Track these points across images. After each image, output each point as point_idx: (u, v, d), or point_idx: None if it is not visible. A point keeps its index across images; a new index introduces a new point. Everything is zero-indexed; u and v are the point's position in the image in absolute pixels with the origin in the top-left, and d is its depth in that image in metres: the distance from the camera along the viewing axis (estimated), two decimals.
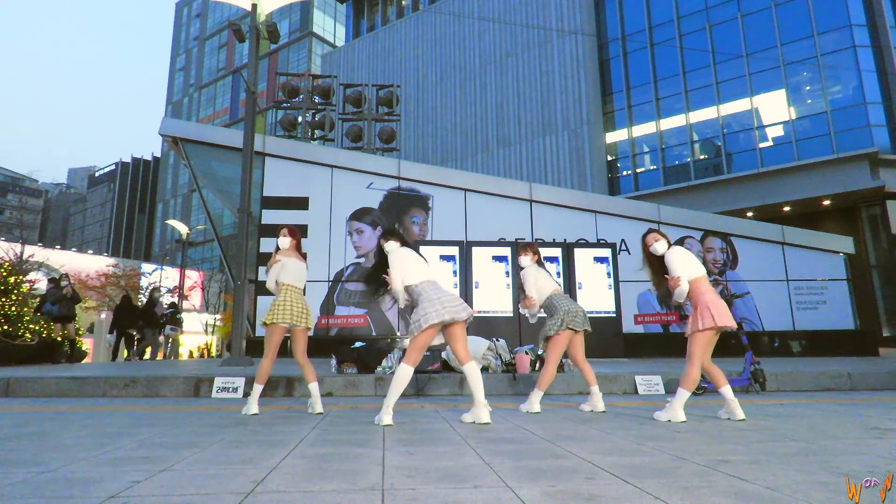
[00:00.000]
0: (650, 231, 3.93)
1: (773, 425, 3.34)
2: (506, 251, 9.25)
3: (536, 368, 6.07)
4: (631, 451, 2.55)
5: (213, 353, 34.77)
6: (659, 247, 3.81)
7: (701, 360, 3.61)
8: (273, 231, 10.80)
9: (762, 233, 11.69)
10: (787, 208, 19.30)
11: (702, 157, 22.53)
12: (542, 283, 4.34)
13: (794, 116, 20.24)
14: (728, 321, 3.53)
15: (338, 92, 14.89)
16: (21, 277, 10.28)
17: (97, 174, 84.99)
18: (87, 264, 35.28)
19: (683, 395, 3.59)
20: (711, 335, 3.60)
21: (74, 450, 2.58)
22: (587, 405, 4.14)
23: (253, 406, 3.90)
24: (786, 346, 11.18)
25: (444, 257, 9.08)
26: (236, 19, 9.17)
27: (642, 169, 24.20)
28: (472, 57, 30.17)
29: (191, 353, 34.63)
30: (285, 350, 10.35)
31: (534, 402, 4.06)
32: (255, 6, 8.55)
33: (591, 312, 9.31)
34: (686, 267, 3.65)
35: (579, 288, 9.34)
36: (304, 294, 4.19)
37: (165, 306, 14.50)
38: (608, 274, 9.48)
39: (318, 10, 53.08)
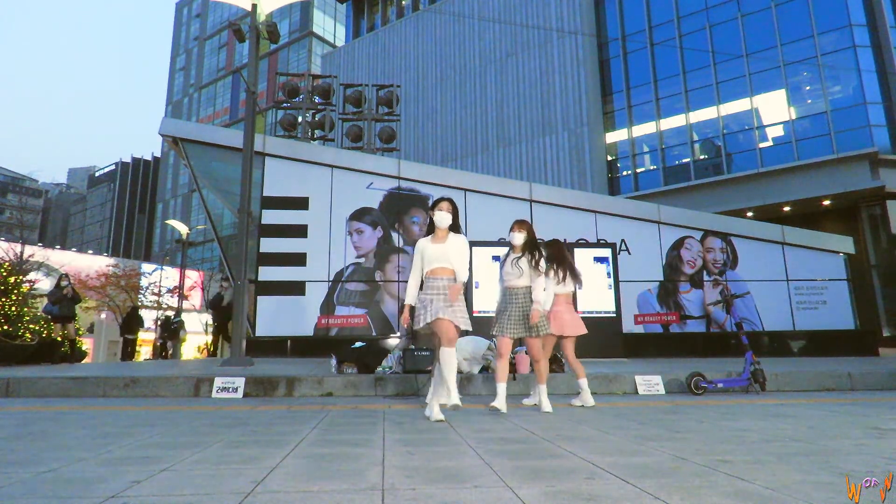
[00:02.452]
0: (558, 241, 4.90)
1: (773, 425, 3.34)
2: (505, 251, 9.23)
3: None
4: (631, 451, 2.55)
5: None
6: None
7: (548, 356, 4.53)
8: (273, 231, 10.79)
9: (762, 233, 11.68)
10: (787, 208, 19.29)
11: (702, 157, 22.52)
12: (504, 272, 4.35)
13: (794, 116, 20.23)
14: (557, 331, 4.47)
15: (338, 92, 14.88)
16: (21, 277, 10.29)
17: (97, 174, 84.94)
18: (87, 264, 35.26)
19: (541, 386, 4.31)
20: (552, 337, 4.52)
21: (74, 450, 2.58)
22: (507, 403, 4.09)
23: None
24: (786, 346, 11.18)
25: None
26: (236, 19, 9.15)
27: (642, 169, 24.20)
28: (472, 57, 30.16)
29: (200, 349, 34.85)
30: (285, 351, 10.36)
31: (542, 400, 4.16)
32: (255, 6, 8.55)
33: (591, 312, 9.35)
34: (554, 285, 4.63)
35: (579, 288, 9.33)
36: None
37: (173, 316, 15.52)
38: (608, 274, 9.48)
39: (318, 10, 53.05)
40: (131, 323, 15.26)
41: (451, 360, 3.67)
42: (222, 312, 12.34)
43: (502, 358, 4.14)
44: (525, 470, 2.15)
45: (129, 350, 15.38)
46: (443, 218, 3.78)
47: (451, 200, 3.88)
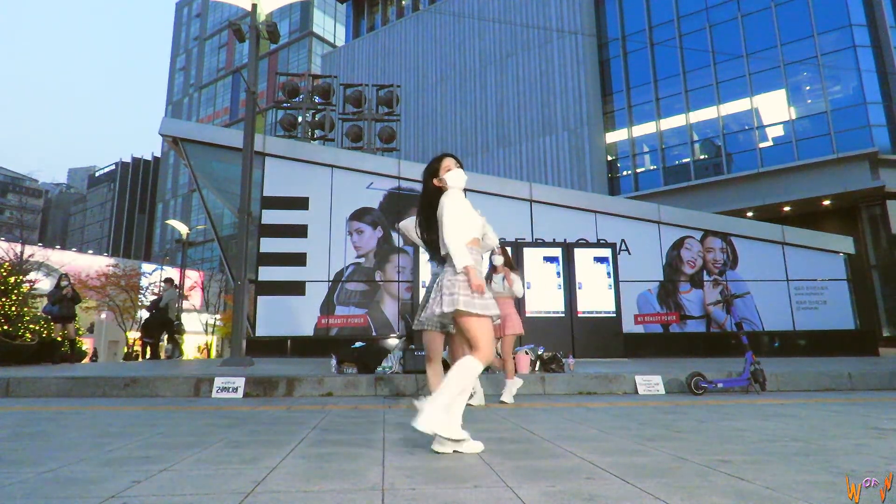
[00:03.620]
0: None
1: (773, 425, 3.34)
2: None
3: (536, 369, 6.08)
4: (631, 451, 2.55)
5: (213, 353, 34.81)
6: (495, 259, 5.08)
7: (511, 354, 4.96)
8: (273, 231, 10.79)
9: (762, 233, 11.69)
10: (787, 208, 19.30)
11: (702, 157, 22.53)
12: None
13: (794, 116, 20.23)
14: (514, 330, 4.90)
15: (338, 92, 14.88)
16: (21, 277, 10.28)
17: (97, 174, 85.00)
18: (87, 264, 35.30)
19: (513, 382, 4.82)
20: (513, 337, 4.93)
21: (74, 450, 2.57)
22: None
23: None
24: (786, 346, 11.18)
25: None
26: (236, 19, 9.15)
27: (642, 169, 24.20)
28: (472, 57, 30.16)
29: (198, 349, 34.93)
30: (285, 351, 10.36)
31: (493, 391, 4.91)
32: (255, 6, 8.55)
33: (592, 312, 9.36)
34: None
35: (579, 288, 9.34)
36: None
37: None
38: (608, 274, 9.48)
39: (318, 10, 53.06)
40: (151, 327, 16.02)
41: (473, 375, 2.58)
42: (158, 314, 12.41)
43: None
44: (525, 470, 2.15)
45: (147, 352, 16.23)
46: (459, 176, 2.77)
47: (455, 156, 2.85)
